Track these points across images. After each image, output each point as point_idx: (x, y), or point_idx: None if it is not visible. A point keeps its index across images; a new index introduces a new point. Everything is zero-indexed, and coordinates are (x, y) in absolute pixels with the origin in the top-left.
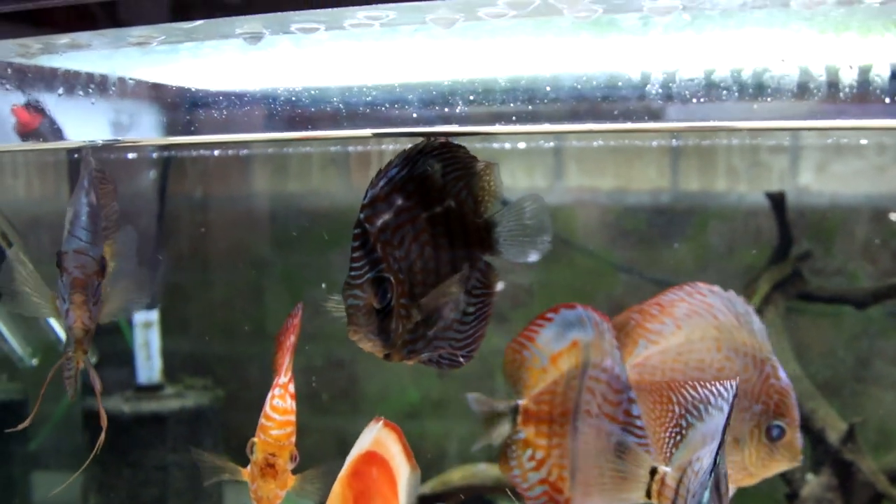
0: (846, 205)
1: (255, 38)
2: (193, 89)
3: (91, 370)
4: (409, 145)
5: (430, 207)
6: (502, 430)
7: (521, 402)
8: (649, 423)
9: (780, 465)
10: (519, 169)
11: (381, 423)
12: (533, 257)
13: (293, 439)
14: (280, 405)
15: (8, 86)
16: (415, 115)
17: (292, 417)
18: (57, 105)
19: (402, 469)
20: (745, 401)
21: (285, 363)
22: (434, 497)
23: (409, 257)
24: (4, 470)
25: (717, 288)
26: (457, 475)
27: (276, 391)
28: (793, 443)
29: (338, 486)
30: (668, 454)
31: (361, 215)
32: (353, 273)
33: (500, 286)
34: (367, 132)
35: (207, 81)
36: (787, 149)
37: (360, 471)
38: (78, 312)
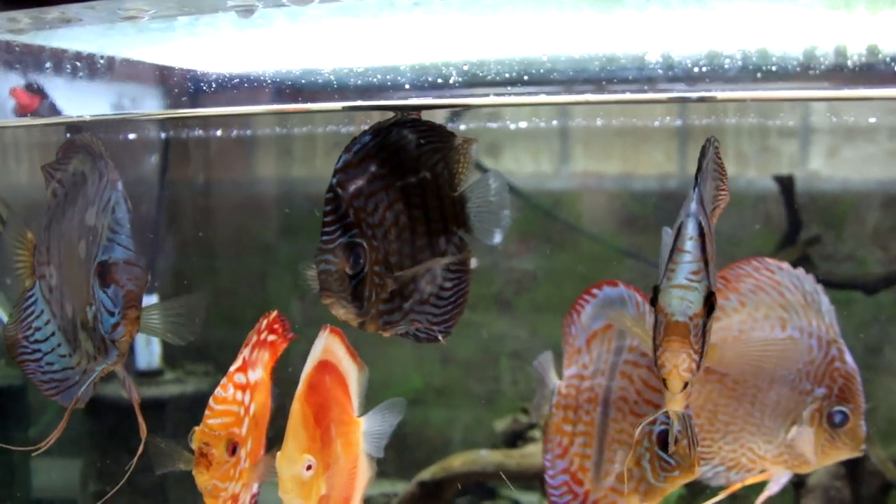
0: (857, 190)
1: (248, 11)
2: (186, 67)
3: (129, 381)
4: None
5: (405, 177)
6: (543, 408)
7: (557, 383)
8: None
9: (841, 453)
10: (525, 153)
11: (327, 330)
12: (498, 238)
13: (237, 430)
14: (220, 394)
15: (14, 65)
16: (408, 89)
17: (234, 408)
18: (57, 86)
19: (350, 370)
20: (807, 383)
21: (241, 353)
22: (434, 483)
23: (383, 225)
24: (5, 456)
25: (785, 264)
26: (457, 461)
27: (223, 380)
28: (856, 430)
29: (296, 405)
30: None
31: (334, 180)
32: (324, 238)
33: (474, 263)
34: (338, 105)
35: (200, 57)
36: (796, 132)
37: (314, 383)
38: (129, 328)
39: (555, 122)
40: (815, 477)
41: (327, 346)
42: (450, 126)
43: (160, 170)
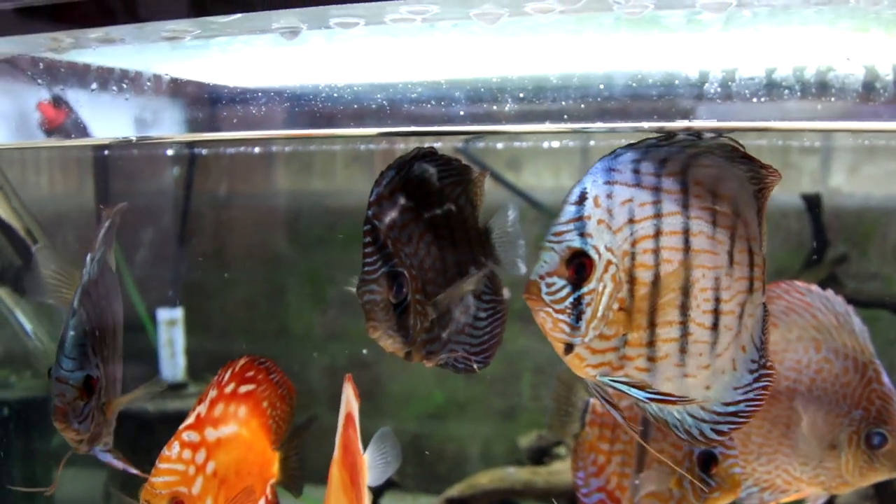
0: (880, 207)
1: (293, 32)
2: (220, 84)
3: (113, 461)
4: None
5: (431, 209)
6: (571, 426)
7: (592, 401)
8: None
9: (880, 475)
10: (545, 169)
11: (346, 381)
12: (522, 268)
13: (182, 489)
14: (164, 453)
15: (39, 81)
16: (448, 113)
17: (179, 467)
18: (83, 101)
19: (355, 409)
20: (844, 405)
21: (196, 410)
22: (461, 500)
23: (418, 254)
24: (28, 467)
25: (815, 287)
26: (485, 478)
27: (172, 438)
28: (894, 451)
29: (334, 470)
30: None
31: (370, 212)
32: (366, 269)
33: (507, 293)
34: (374, 131)
35: (235, 77)
36: (818, 150)
37: (346, 443)
38: (63, 434)
39: (592, 143)
40: (843, 497)
41: (347, 397)
42: (469, 146)
43: (185, 183)
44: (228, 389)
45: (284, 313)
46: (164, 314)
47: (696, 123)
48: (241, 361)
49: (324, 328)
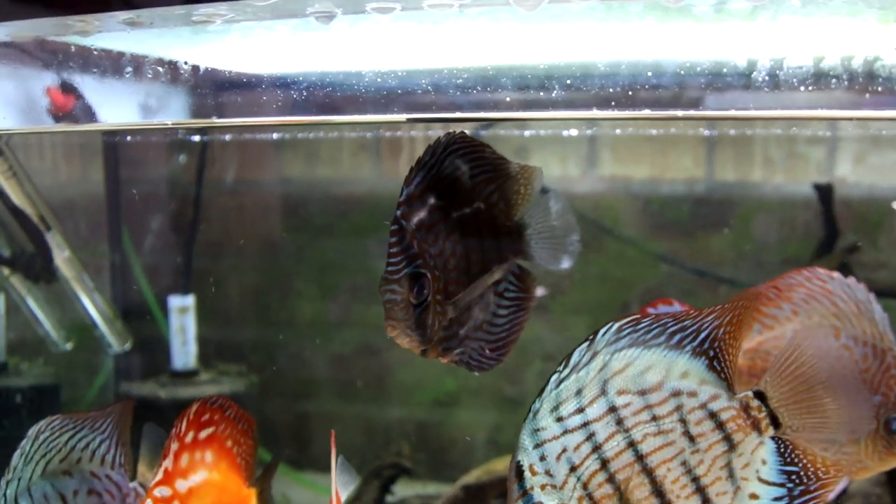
0: (886, 197)
1: (328, 17)
2: (251, 71)
3: None
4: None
5: (460, 208)
6: None
7: None
8: None
9: None
10: (552, 157)
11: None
12: (566, 263)
13: None
14: None
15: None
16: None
17: None
18: (92, 86)
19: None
20: (864, 391)
21: (162, 465)
22: (478, 486)
23: (442, 255)
24: None
25: (836, 274)
26: (501, 465)
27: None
28: None
29: None
30: None
31: (398, 212)
32: (390, 269)
33: (539, 291)
34: (402, 117)
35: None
36: (824, 140)
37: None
38: None
39: (618, 132)
40: (856, 483)
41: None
42: (482, 133)
43: (197, 169)
44: (189, 439)
45: (295, 300)
46: (175, 301)
47: (742, 112)
48: (194, 408)
49: (335, 316)
